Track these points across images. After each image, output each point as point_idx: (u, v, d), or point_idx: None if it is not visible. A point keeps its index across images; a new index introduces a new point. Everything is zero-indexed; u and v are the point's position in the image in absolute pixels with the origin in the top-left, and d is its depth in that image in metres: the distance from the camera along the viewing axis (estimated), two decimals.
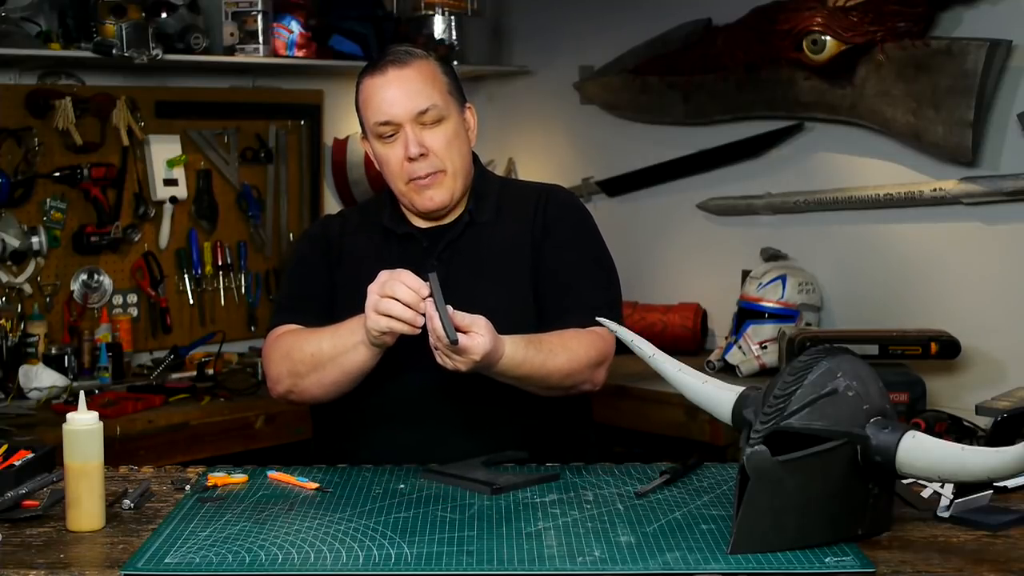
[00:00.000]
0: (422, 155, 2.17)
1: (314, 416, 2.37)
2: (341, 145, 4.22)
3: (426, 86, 2.19)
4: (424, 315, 1.95)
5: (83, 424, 1.75)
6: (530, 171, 4.36)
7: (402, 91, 2.18)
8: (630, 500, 1.88)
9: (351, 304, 2.13)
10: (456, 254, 2.25)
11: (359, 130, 2.29)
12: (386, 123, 2.18)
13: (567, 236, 2.29)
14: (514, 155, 4.45)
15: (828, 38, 3.45)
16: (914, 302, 3.52)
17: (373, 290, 1.99)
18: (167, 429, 3.26)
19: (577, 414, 2.32)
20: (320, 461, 2.18)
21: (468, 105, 2.29)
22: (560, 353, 2.10)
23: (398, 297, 1.96)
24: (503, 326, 2.11)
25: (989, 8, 3.31)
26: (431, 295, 1.94)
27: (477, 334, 1.94)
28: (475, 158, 2.33)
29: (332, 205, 4.22)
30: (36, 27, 3.51)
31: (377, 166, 2.28)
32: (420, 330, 1.97)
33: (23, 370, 3.34)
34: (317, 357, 2.13)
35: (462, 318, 1.94)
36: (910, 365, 3.23)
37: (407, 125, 2.17)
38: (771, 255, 3.80)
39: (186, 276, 3.91)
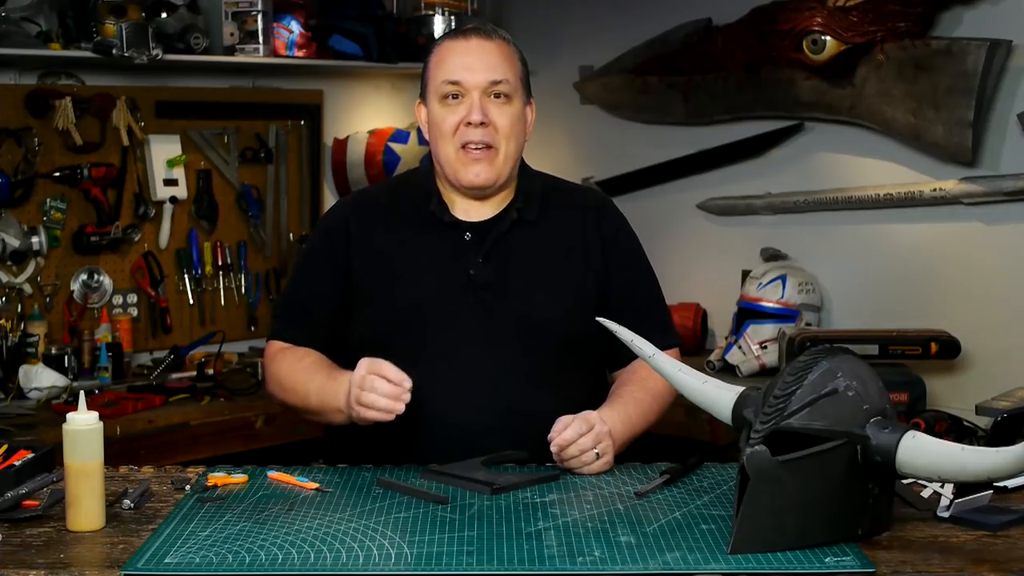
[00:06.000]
0: (482, 123, 2.16)
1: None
2: (341, 145, 4.22)
3: (504, 63, 2.20)
4: (404, 403, 1.99)
5: (83, 424, 1.75)
6: None
7: (481, 60, 2.18)
8: (630, 500, 1.88)
9: (383, 294, 2.19)
10: (504, 251, 2.23)
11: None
12: (456, 83, 2.17)
13: (630, 256, 2.33)
14: None
15: (828, 38, 3.46)
16: (914, 302, 3.52)
17: (354, 382, 2.02)
18: (167, 429, 3.26)
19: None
20: (333, 450, 2.22)
21: (531, 100, 2.28)
22: (652, 401, 2.24)
23: (378, 392, 2.00)
24: (558, 333, 2.18)
25: (989, 8, 3.32)
26: None
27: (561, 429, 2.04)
28: None
29: (332, 205, 4.22)
30: (36, 27, 3.51)
31: (425, 132, 2.26)
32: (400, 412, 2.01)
33: (23, 370, 3.34)
34: (304, 403, 2.20)
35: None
36: (910, 365, 3.24)
37: (475, 93, 2.17)
38: (771, 255, 3.80)
39: (186, 276, 3.91)
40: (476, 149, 2.18)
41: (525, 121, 2.25)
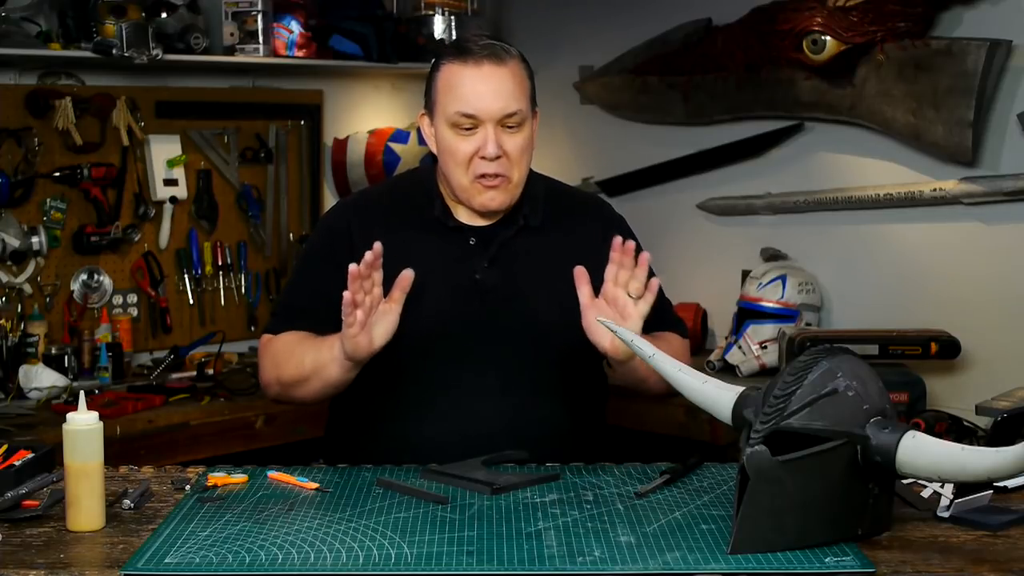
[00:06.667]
0: (497, 157, 2.15)
1: (332, 410, 2.36)
2: (341, 145, 4.22)
3: (517, 89, 2.17)
4: (366, 291, 2.01)
5: (83, 424, 1.75)
6: None
7: (495, 90, 2.14)
8: (630, 500, 1.88)
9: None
10: (510, 256, 2.22)
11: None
12: (470, 116, 2.14)
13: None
14: None
15: (828, 38, 3.46)
16: (914, 302, 3.52)
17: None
18: (167, 429, 3.26)
19: (599, 414, 2.33)
20: (334, 453, 2.21)
21: (536, 110, 2.26)
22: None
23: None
24: (565, 338, 2.17)
25: (989, 8, 3.31)
26: None
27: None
28: None
29: (332, 205, 4.22)
30: (36, 27, 3.51)
31: (434, 149, 2.24)
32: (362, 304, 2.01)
33: (23, 370, 3.34)
34: (300, 371, 2.18)
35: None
36: (910, 365, 3.24)
37: (490, 125, 2.14)
38: (771, 255, 3.80)
39: (186, 276, 3.91)
40: (491, 179, 2.16)
41: (533, 138, 2.23)
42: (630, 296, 2.04)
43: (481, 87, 2.14)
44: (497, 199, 2.18)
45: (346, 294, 1.99)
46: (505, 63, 2.17)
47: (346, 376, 2.12)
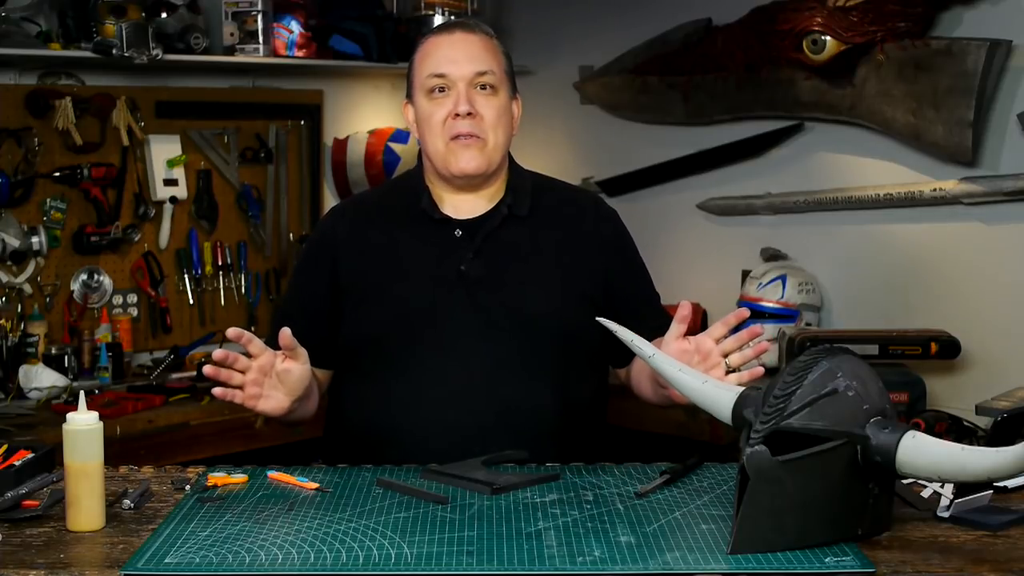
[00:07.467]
0: (469, 114, 2.17)
1: (329, 409, 2.35)
2: (341, 145, 4.23)
3: (488, 55, 2.22)
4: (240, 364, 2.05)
5: (83, 424, 1.75)
6: None
7: (465, 52, 2.20)
8: (630, 500, 1.88)
9: (375, 293, 2.19)
10: (496, 247, 2.22)
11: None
12: (441, 75, 2.18)
13: (630, 257, 2.35)
14: (514, 155, 4.43)
15: (828, 38, 3.46)
16: (914, 302, 3.52)
17: None
18: (167, 429, 3.26)
19: (596, 409, 2.33)
20: (333, 453, 2.22)
21: (517, 96, 2.29)
22: None
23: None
24: (552, 328, 2.17)
25: (989, 8, 3.32)
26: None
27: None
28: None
29: (332, 205, 4.22)
30: (36, 27, 3.51)
31: (415, 131, 2.27)
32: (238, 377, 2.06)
33: (23, 370, 3.34)
34: None
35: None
36: (910, 365, 3.24)
37: (461, 85, 2.18)
38: (771, 255, 3.80)
39: (186, 276, 3.91)
40: (466, 137, 2.18)
41: (511, 114, 2.26)
42: (726, 362, 2.04)
43: (452, 50, 2.21)
44: (474, 161, 2.19)
45: (216, 391, 2.04)
46: (475, 32, 2.24)
47: (296, 415, 2.14)
